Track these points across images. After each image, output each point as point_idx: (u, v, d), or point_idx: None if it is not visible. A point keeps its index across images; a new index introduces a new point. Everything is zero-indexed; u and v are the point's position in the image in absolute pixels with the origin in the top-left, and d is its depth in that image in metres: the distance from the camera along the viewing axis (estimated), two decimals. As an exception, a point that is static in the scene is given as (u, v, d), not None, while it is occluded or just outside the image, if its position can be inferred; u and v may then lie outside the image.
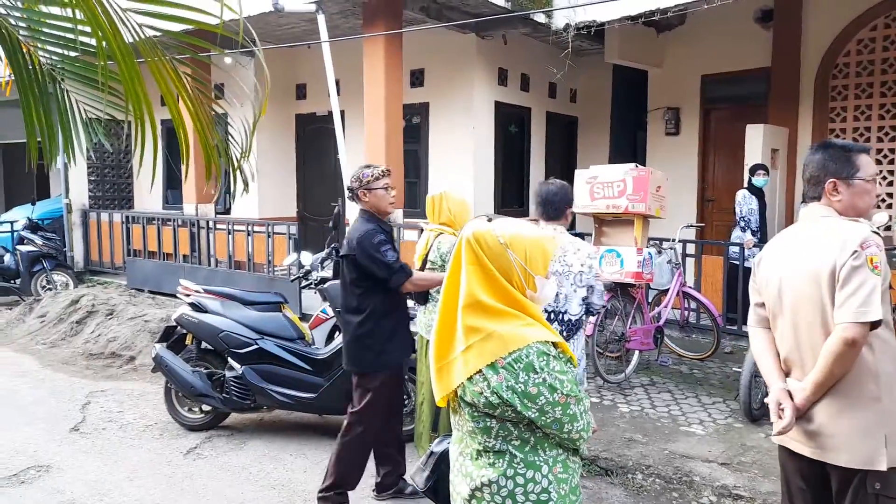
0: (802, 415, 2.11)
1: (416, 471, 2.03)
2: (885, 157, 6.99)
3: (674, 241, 6.16)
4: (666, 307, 5.86)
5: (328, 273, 4.68)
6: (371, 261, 3.28)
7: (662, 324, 5.77)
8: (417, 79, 8.09)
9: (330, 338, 5.06)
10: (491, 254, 1.63)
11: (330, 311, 4.77)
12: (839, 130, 7.28)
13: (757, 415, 4.42)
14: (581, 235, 7.01)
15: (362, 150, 6.94)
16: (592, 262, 3.11)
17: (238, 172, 2.50)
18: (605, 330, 5.30)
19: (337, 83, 8.00)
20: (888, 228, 5.48)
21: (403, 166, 6.97)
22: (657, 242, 6.18)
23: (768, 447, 4.03)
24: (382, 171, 3.42)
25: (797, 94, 7.42)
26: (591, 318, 3.65)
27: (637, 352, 5.44)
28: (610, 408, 4.74)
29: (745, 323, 5.58)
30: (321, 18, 6.31)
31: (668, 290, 5.90)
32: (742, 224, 6.25)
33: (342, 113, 8.04)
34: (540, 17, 6.98)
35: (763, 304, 2.27)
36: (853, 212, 2.12)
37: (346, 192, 3.61)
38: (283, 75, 9.52)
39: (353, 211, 6.28)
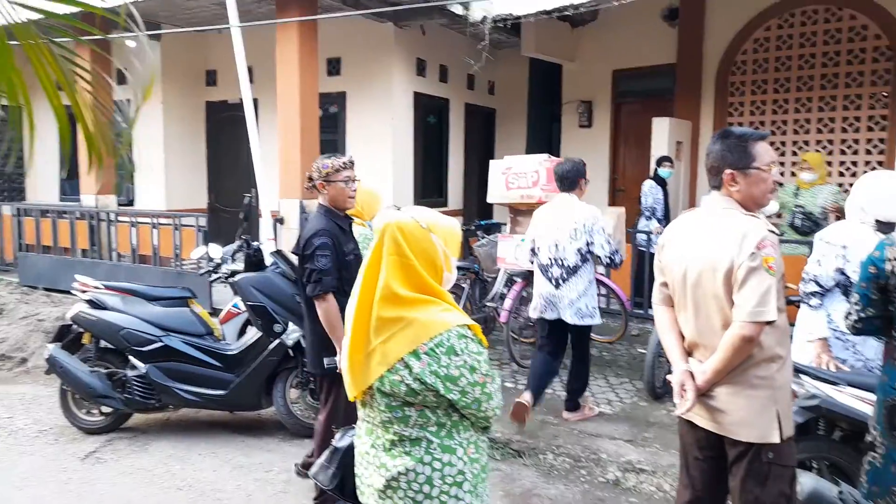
0: (704, 393, 2.24)
1: (318, 469, 1.99)
2: (778, 149, 7.46)
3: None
4: (579, 294, 6.03)
5: (239, 266, 4.53)
6: (305, 260, 3.11)
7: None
8: (334, 67, 7.94)
9: (242, 333, 4.91)
10: (414, 241, 1.66)
11: (242, 306, 4.63)
12: (737, 124, 7.70)
13: (660, 393, 4.64)
14: (499, 225, 7.14)
15: (277, 139, 6.75)
16: (586, 222, 4.04)
17: (122, 160, 2.34)
18: (520, 316, 5.41)
19: (250, 70, 7.72)
20: (778, 216, 5.85)
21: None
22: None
23: (669, 423, 4.23)
24: (344, 163, 3.21)
25: (699, 89, 7.81)
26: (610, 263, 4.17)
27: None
28: (523, 392, 4.84)
29: (650, 307, 5.85)
30: (230, 2, 6.07)
31: (580, 278, 6.08)
32: (647, 213, 6.53)
33: (255, 101, 7.79)
34: (457, 9, 7.00)
35: (666, 284, 2.38)
36: (751, 201, 2.21)
37: (306, 183, 3.39)
38: (193, 60, 9.13)
39: (268, 202, 6.14)
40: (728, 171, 2.21)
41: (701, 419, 2.28)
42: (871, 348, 2.87)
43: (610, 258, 4.13)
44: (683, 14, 7.80)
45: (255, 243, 4.56)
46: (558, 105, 9.04)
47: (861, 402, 2.65)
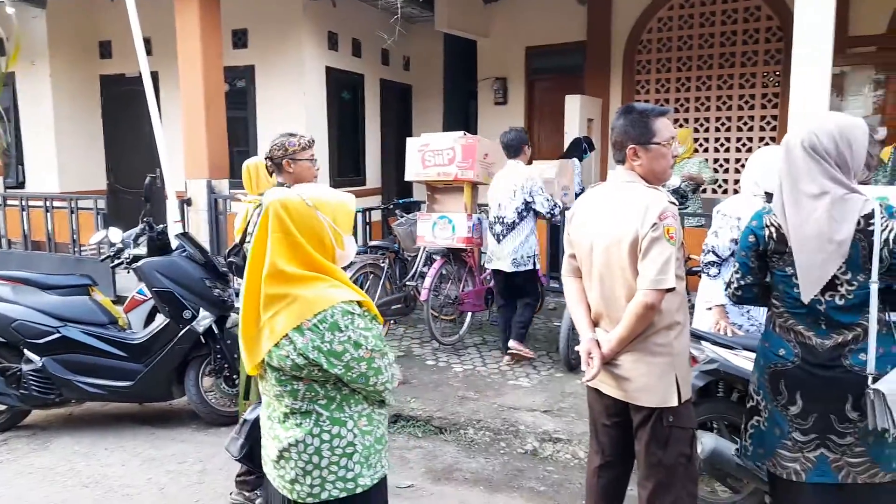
0: (608, 362, 2.33)
1: (230, 441, 2.07)
2: (681, 125, 7.81)
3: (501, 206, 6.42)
4: (496, 269, 6.13)
5: (143, 250, 4.29)
6: None
7: (492, 285, 6.04)
8: (240, 39, 7.59)
9: (149, 320, 4.68)
10: (300, 219, 1.66)
11: (147, 292, 4.40)
12: (643, 101, 7.98)
13: (574, 364, 4.80)
14: (418, 203, 7.11)
15: (181, 115, 6.40)
16: (525, 184, 4.75)
17: None
18: (440, 294, 5.44)
19: (148, 41, 7.28)
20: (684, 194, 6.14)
21: (229, 133, 6.53)
22: (486, 208, 6.42)
23: (584, 393, 4.37)
24: (309, 142, 3.23)
25: (609, 67, 8.03)
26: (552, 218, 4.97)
27: (470, 314, 5.65)
28: (444, 369, 4.90)
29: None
30: (123, -33, 5.64)
31: (497, 253, 6.17)
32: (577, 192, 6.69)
33: (155, 74, 7.37)
34: (368, -20, 6.85)
35: (574, 256, 2.45)
36: (652, 175, 2.30)
37: (266, 162, 3.28)
38: (84, 30, 8.47)
39: (173, 183, 5.83)
40: (630, 145, 2.29)
41: (607, 387, 2.38)
42: (764, 313, 3.07)
43: (550, 213, 4.84)
44: (593, -8, 7.97)
45: (160, 226, 4.33)
46: (474, 81, 9.06)
47: (724, 351, 2.84)
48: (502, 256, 4.85)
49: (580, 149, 6.76)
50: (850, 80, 6.91)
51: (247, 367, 1.74)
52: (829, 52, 4.78)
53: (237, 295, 4.15)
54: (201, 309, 4.08)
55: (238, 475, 3.15)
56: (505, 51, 8.70)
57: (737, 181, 7.48)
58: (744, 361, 2.75)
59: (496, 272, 5.00)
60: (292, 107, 7.35)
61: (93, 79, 8.63)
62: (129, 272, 4.42)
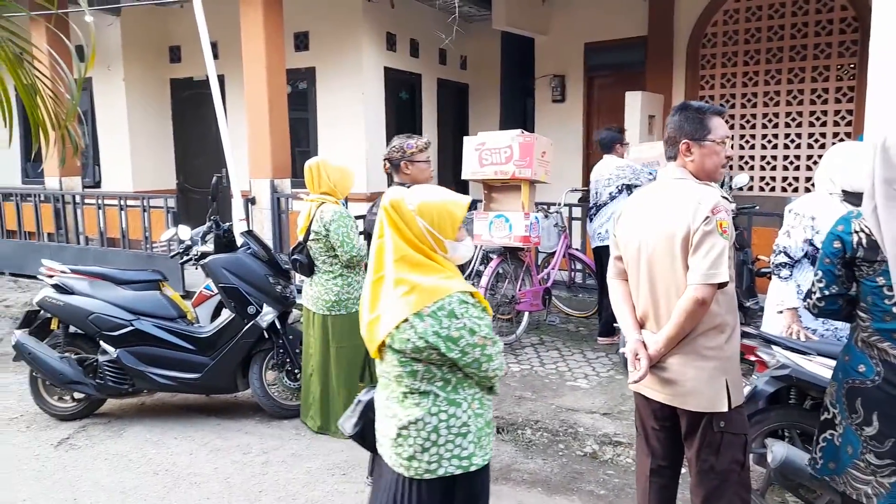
0: (655, 364, 2.27)
1: (344, 418, 2.17)
2: (749, 121, 7.54)
3: (560, 205, 6.36)
4: (553, 269, 6.07)
5: (209, 248, 4.45)
6: None
7: (550, 285, 5.98)
8: (302, 42, 7.76)
9: (216, 315, 4.84)
10: (405, 219, 1.82)
11: (213, 288, 4.56)
12: (708, 97, 7.75)
13: (635, 366, 4.71)
14: (474, 203, 7.11)
15: (245, 117, 6.59)
16: (619, 172, 5.30)
17: (66, 136, 2.26)
18: (497, 293, 5.42)
19: (215, 46, 7.54)
20: (750, 188, 5.92)
21: (290, 134, 6.70)
22: (544, 207, 6.36)
23: (645, 395, 4.30)
24: (426, 143, 3.40)
25: (671, 62, 7.81)
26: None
27: (527, 313, 5.61)
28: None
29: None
30: (192, -26, 5.86)
31: (554, 253, 6.11)
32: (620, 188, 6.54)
33: (221, 77, 7.59)
34: (426, -19, 6.88)
35: (621, 258, 2.41)
36: (703, 172, 2.27)
37: (384, 164, 3.49)
38: (155, 36, 8.84)
39: (238, 182, 6.01)
40: (684, 140, 2.26)
41: (652, 391, 2.32)
42: None
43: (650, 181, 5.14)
44: (654, -14, 7.77)
45: (226, 224, 4.48)
46: (531, 79, 8.98)
47: (831, 371, 2.71)
48: (592, 235, 5.42)
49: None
50: (934, 72, 6.50)
51: (369, 348, 1.89)
52: (913, 42, 4.51)
53: (299, 292, 4.25)
54: (265, 305, 4.19)
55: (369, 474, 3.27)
56: (563, 47, 8.59)
57: (808, 179, 7.16)
58: (819, 368, 2.63)
59: (596, 252, 5.51)
60: (352, 107, 7.47)
61: (163, 82, 9.00)
62: (196, 268, 4.60)
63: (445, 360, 1.79)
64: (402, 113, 8.27)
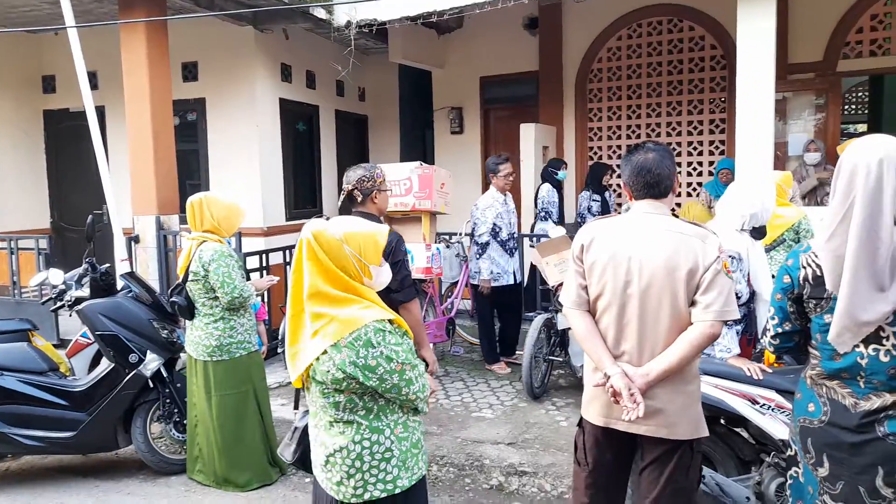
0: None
1: (283, 446, 2.25)
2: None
3: (461, 234, 6.40)
4: (457, 299, 6.08)
5: (85, 292, 4.09)
6: (394, 267, 3.07)
7: (454, 315, 5.98)
8: (191, 72, 7.45)
9: (94, 365, 4.45)
10: (328, 249, 1.87)
11: (91, 336, 4.18)
12: (596, 129, 8.14)
13: (538, 393, 4.75)
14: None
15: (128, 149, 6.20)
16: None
17: None
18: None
19: (94, 75, 7.11)
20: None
21: (180, 167, 6.36)
22: (446, 237, 6.39)
23: (548, 422, 4.34)
24: (385, 172, 3.40)
25: (561, 95, 8.15)
26: None
27: (431, 345, 5.56)
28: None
29: (528, 311, 5.98)
30: (65, 1, 5.50)
31: (457, 283, 6.12)
32: (542, 215, 6.70)
33: (101, 108, 7.19)
34: (321, 13, 6.81)
35: (586, 288, 2.31)
36: (670, 204, 2.34)
37: (350, 193, 3.27)
38: (26, 65, 8.21)
39: (120, 219, 5.62)
40: (672, 182, 2.32)
41: (623, 424, 2.23)
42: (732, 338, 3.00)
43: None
44: (542, 24, 8.12)
45: (103, 266, 4.14)
46: (430, 111, 9.08)
47: (716, 390, 2.83)
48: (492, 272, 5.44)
49: (548, 174, 6.84)
50: (792, 105, 7.16)
51: (291, 378, 1.95)
52: (772, 79, 4.94)
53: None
54: (149, 352, 3.89)
55: None
56: (460, 81, 8.77)
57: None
58: (706, 388, 2.74)
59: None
60: (246, 139, 7.22)
61: (35, 114, 8.34)
62: (71, 315, 4.21)
63: (366, 389, 1.85)
64: (299, 145, 8.10)
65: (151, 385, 3.93)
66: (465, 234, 6.44)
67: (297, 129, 8.08)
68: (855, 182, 1.82)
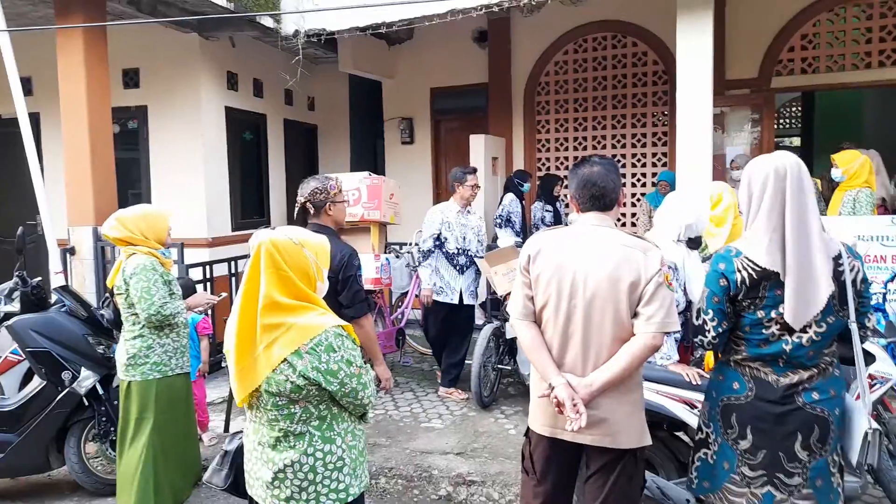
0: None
1: (211, 473, 2.20)
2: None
3: (411, 244, 6.39)
4: (407, 308, 6.06)
5: (15, 307, 3.91)
6: (346, 282, 3.13)
7: (404, 325, 5.96)
8: (132, 79, 7.24)
9: (25, 383, 4.24)
10: (288, 256, 1.89)
11: (22, 353, 3.99)
12: (544, 140, 8.28)
13: (487, 401, 4.77)
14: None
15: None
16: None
17: None
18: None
19: (28, 81, 6.85)
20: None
21: (120, 176, 6.15)
22: (396, 248, 6.38)
23: (497, 430, 4.37)
24: (342, 183, 3.36)
25: (510, 107, 8.26)
26: None
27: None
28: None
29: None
30: (-4, 3, 5.28)
31: (407, 293, 6.11)
32: (498, 222, 6.75)
33: (36, 115, 6.90)
34: (268, 21, 6.73)
35: (533, 299, 2.33)
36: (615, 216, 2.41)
37: (304, 206, 3.24)
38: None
39: (55, 231, 5.39)
40: (619, 196, 2.38)
41: (568, 434, 2.24)
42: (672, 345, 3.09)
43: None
44: (491, 37, 8.22)
45: (34, 280, 3.96)
46: (381, 121, 9.07)
47: (657, 396, 2.89)
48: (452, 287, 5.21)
49: (513, 184, 6.91)
50: (729, 119, 7.44)
51: (237, 398, 1.91)
52: (709, 94, 5.14)
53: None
54: (83, 368, 3.74)
55: None
56: (410, 91, 8.79)
57: (633, 214, 7.83)
58: (646, 393, 2.80)
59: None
60: (190, 148, 7.05)
61: (-36, 120, 7.95)
62: (0, 331, 4.01)
63: (323, 396, 1.88)
64: (246, 153, 7.96)
65: (86, 403, 3.77)
66: (416, 245, 6.46)
67: (244, 138, 7.94)
68: (768, 184, 2.12)
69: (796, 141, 11.49)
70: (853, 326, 2.11)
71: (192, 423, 3.62)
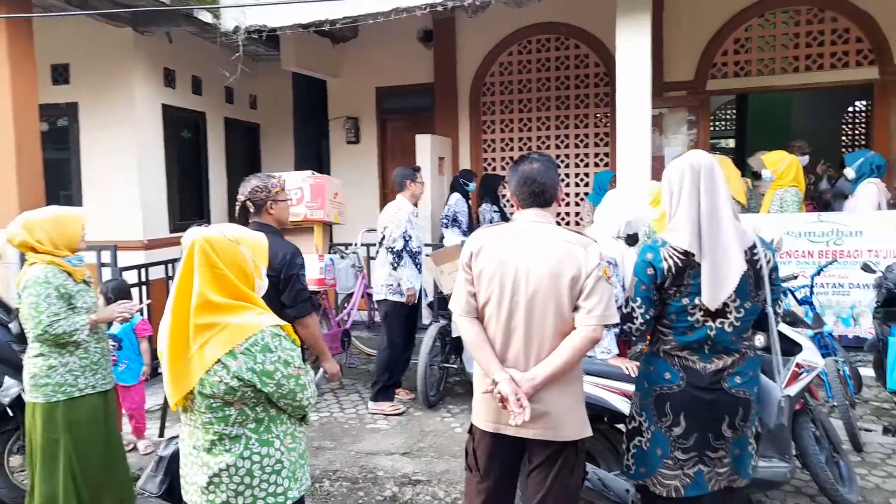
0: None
1: (146, 479, 2.16)
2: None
3: (356, 245, 6.33)
4: (353, 309, 6.00)
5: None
6: (288, 281, 3.05)
7: (349, 326, 5.89)
8: (61, 75, 6.92)
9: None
10: (223, 253, 1.84)
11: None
12: (490, 141, 8.34)
13: (433, 401, 4.77)
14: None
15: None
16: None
17: None
18: (293, 340, 5.19)
19: (-55, 74, 6.43)
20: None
21: (49, 176, 5.87)
22: (341, 248, 6.30)
23: (443, 429, 4.36)
24: (284, 182, 3.33)
25: (456, 107, 8.30)
26: None
27: (326, 358, 5.44)
28: (299, 419, 4.64)
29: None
30: None
31: (353, 294, 6.04)
32: (445, 222, 6.74)
33: (-45, 112, 6.50)
34: (206, 17, 6.54)
35: (475, 295, 2.34)
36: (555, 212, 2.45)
37: (243, 205, 3.18)
38: None
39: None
40: (557, 192, 2.41)
41: (511, 429, 2.26)
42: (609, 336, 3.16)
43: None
44: (437, 37, 8.23)
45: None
46: (325, 121, 8.96)
47: (598, 389, 2.95)
48: (395, 284, 4.99)
49: (459, 184, 6.92)
50: (668, 121, 7.67)
51: (171, 401, 1.85)
52: (648, 96, 5.28)
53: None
54: (7, 377, 3.54)
55: None
56: (355, 91, 8.71)
57: (577, 213, 7.97)
58: (597, 389, 2.86)
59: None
60: (124, 146, 6.78)
61: None
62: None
63: (260, 398, 1.82)
64: (184, 153, 7.72)
65: (11, 413, 3.57)
66: (361, 245, 6.40)
67: (183, 136, 7.71)
68: (685, 180, 2.29)
69: (731, 142, 11.93)
70: (770, 310, 2.30)
71: (116, 445, 3.27)
